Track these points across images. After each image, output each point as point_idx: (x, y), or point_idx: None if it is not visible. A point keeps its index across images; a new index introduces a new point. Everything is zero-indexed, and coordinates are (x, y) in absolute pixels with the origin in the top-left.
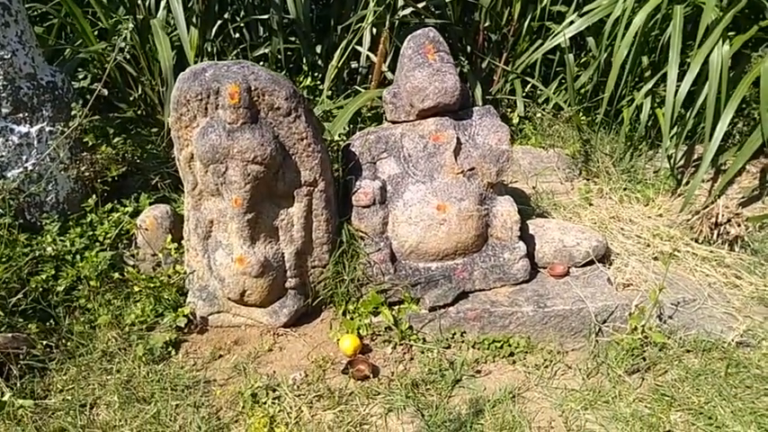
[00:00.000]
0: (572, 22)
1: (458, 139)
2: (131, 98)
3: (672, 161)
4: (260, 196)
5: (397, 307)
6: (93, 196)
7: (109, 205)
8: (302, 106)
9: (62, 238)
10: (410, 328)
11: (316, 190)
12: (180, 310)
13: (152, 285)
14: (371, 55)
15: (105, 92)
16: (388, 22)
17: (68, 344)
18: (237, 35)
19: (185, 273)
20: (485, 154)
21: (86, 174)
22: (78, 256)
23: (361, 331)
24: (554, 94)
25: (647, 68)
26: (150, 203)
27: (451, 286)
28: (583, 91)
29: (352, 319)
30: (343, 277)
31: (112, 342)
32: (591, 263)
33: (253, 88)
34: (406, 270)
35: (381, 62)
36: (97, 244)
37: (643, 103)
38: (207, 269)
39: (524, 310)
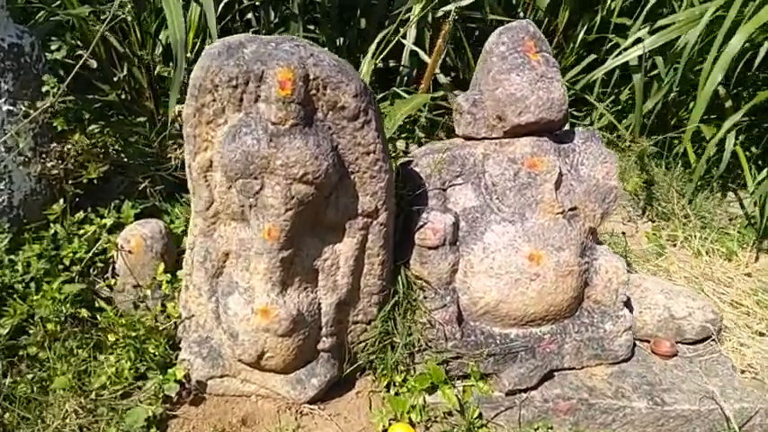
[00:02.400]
0: (639, 39)
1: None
2: (115, 78)
3: (758, 210)
4: (301, 227)
5: (461, 384)
6: (61, 201)
7: (80, 214)
8: (373, 108)
9: (12, 257)
10: (480, 416)
11: (375, 222)
12: (170, 371)
13: (133, 335)
14: (420, 51)
15: (94, 63)
16: (451, 14)
17: (5, 417)
18: (245, 17)
19: (179, 317)
20: (590, 190)
21: (54, 171)
22: (33, 285)
23: (412, 416)
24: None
25: (726, 98)
26: (136, 215)
27: (538, 364)
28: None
29: (397, 395)
30: (394, 339)
31: (72, 418)
32: (702, 339)
33: (311, 77)
34: (475, 335)
35: (437, 60)
36: (61, 269)
37: (726, 138)
38: (212, 317)
39: (635, 406)
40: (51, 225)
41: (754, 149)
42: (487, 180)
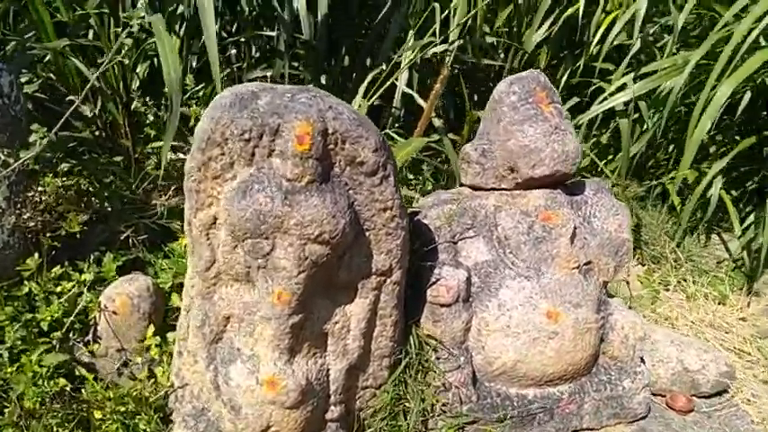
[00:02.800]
0: (624, 85)
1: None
2: (89, 114)
3: (745, 253)
4: (312, 290)
5: None
6: (36, 255)
7: (57, 269)
8: (391, 162)
9: None
10: None
11: (388, 281)
12: None
13: (122, 410)
14: (414, 95)
15: (88, 111)
16: (450, 58)
17: None
18: (227, 53)
19: (171, 386)
20: (603, 243)
21: (30, 223)
22: (7, 355)
23: None
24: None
25: (709, 143)
26: (118, 268)
27: (558, 426)
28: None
29: None
30: (406, 405)
31: None
32: (716, 393)
33: (330, 131)
34: (491, 397)
35: (433, 104)
36: (38, 334)
37: (713, 182)
38: (210, 387)
39: None
40: (26, 282)
41: (734, 192)
42: (500, 233)
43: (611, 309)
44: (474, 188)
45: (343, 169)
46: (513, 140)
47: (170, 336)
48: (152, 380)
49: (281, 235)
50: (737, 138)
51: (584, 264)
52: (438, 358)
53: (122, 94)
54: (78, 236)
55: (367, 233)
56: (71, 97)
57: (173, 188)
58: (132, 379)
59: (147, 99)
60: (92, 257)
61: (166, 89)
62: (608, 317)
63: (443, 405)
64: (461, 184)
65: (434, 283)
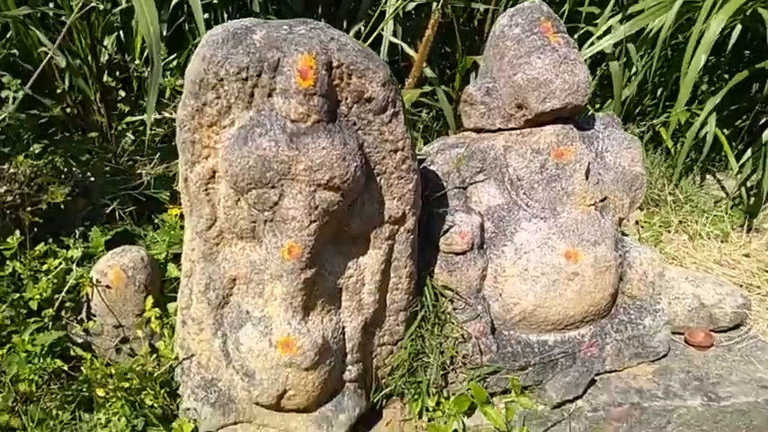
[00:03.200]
0: (610, 28)
1: None
2: (58, 91)
3: (743, 190)
4: (323, 242)
5: (500, 402)
6: (17, 232)
7: (42, 246)
8: (399, 98)
9: None
10: None
11: (402, 230)
12: (175, 425)
13: (126, 386)
14: (404, 45)
15: (62, 61)
16: (440, 2)
17: None
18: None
19: (175, 359)
20: (617, 179)
21: (8, 198)
22: None
23: None
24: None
25: (700, 82)
26: (106, 243)
27: (582, 370)
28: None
29: (431, 420)
30: (424, 359)
31: None
32: (734, 326)
33: (335, 64)
34: (512, 346)
35: (424, 53)
36: (27, 314)
37: (707, 121)
38: (219, 355)
39: (690, 405)
40: (8, 262)
41: (725, 130)
42: (512, 174)
43: (627, 246)
44: (479, 131)
45: (350, 107)
46: (520, 74)
47: (170, 307)
48: (154, 355)
49: (289, 182)
50: (725, 76)
51: (600, 200)
52: (455, 309)
53: (92, 67)
54: (62, 209)
55: (378, 178)
56: (43, 49)
57: (157, 156)
58: (132, 356)
59: (117, 73)
60: (77, 233)
61: (147, 43)
62: (625, 254)
63: (463, 357)
64: (463, 130)
65: (447, 230)
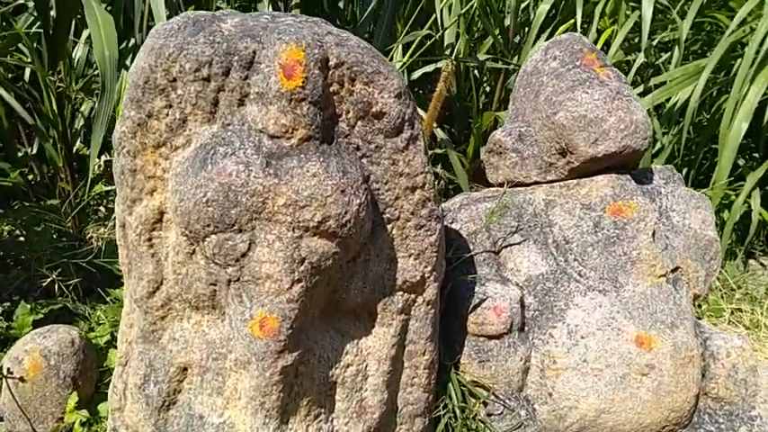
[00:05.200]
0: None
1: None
2: (20, 154)
3: None
4: (310, 315)
5: None
6: None
7: None
8: (418, 119)
9: None
10: None
11: (419, 301)
12: None
13: None
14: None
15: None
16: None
17: None
18: None
19: None
20: (689, 244)
21: None
22: None
23: None
24: None
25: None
26: (37, 324)
27: None
28: None
29: None
30: None
31: None
32: None
33: (333, 62)
34: None
35: (435, 110)
36: None
37: (751, 197)
38: None
39: None
40: None
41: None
42: (557, 235)
43: (706, 332)
44: (511, 185)
45: (353, 125)
46: (562, 113)
47: (102, 408)
48: None
49: (264, 224)
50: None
51: (672, 270)
52: (489, 415)
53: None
54: None
55: (389, 226)
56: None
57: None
58: None
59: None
60: (0, 309)
61: (98, 65)
62: (705, 343)
63: None
64: (489, 185)
65: (477, 305)
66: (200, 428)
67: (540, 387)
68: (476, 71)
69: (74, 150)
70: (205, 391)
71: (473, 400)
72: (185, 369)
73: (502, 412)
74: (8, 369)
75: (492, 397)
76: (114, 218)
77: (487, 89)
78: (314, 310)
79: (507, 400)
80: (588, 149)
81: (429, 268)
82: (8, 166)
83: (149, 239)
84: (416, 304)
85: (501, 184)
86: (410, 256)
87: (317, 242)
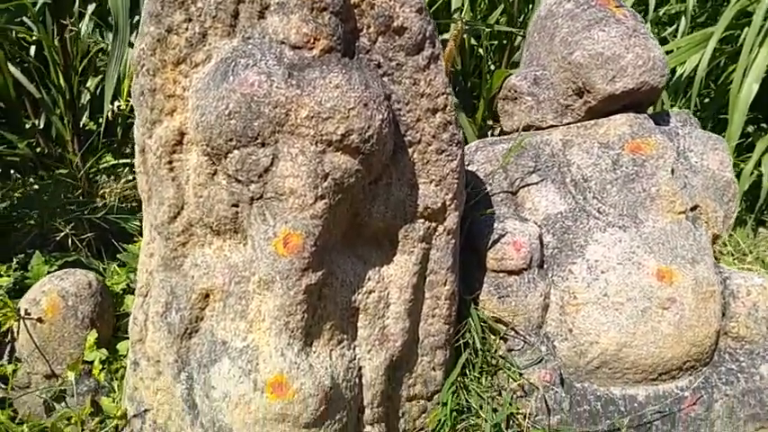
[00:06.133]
0: None
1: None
2: (27, 125)
3: None
4: (333, 237)
5: None
6: None
7: None
8: (438, 38)
9: None
10: None
11: (440, 229)
12: None
13: None
14: None
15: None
16: (462, 15)
17: None
18: None
19: (123, 417)
20: (707, 184)
21: None
22: None
23: None
24: None
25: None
26: (49, 274)
27: None
28: None
29: None
30: (471, 422)
31: None
32: None
33: None
34: (588, 402)
35: (448, 62)
36: None
37: (761, 165)
38: (183, 408)
39: None
40: None
41: None
42: (575, 174)
43: (725, 271)
44: (526, 130)
45: (374, 40)
46: (578, 52)
47: (122, 347)
48: (97, 418)
49: (286, 137)
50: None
51: (691, 208)
52: (510, 350)
53: (66, 100)
54: None
55: (410, 150)
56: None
57: (122, 181)
58: (68, 418)
59: (98, 117)
60: (14, 261)
61: (111, 8)
62: (725, 282)
63: (525, 418)
64: (503, 133)
65: (497, 241)
66: (224, 354)
67: (560, 324)
68: (480, 49)
69: (81, 125)
70: (228, 316)
71: (493, 337)
72: (207, 296)
73: (522, 347)
74: (25, 310)
75: (511, 333)
76: (125, 175)
77: (492, 67)
78: (337, 231)
79: (527, 336)
80: (606, 87)
81: (450, 195)
82: (16, 138)
83: (170, 162)
84: (437, 233)
85: (516, 132)
86: (431, 182)
87: (341, 158)
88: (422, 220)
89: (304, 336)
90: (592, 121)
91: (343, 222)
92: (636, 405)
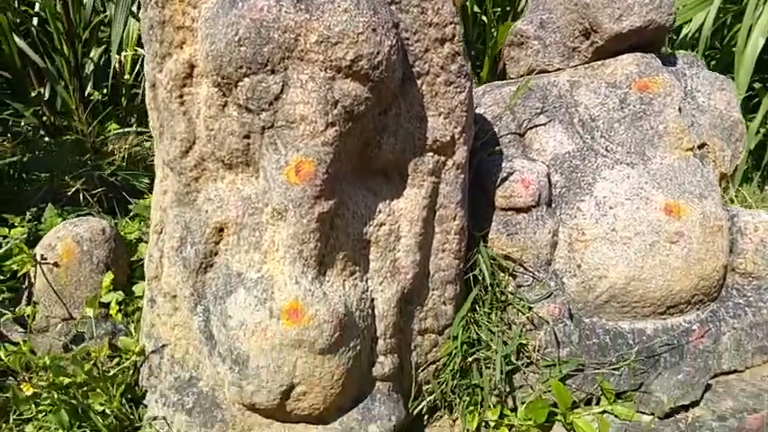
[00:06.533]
0: None
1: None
2: (32, 94)
3: None
4: (344, 167)
5: (587, 414)
6: None
7: None
8: None
9: None
10: None
11: (449, 163)
12: None
13: (65, 382)
14: None
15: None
16: None
17: None
18: None
19: (141, 353)
20: (714, 123)
21: None
22: None
23: None
24: None
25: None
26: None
27: (697, 366)
28: None
29: None
30: (482, 354)
31: None
32: None
33: None
34: (597, 336)
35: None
36: None
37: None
38: (201, 339)
39: None
40: None
41: None
42: (583, 114)
43: (732, 210)
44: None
45: None
46: None
47: (137, 288)
48: (115, 359)
49: (296, 63)
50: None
51: (699, 146)
52: (519, 286)
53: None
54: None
55: (419, 81)
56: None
57: (129, 140)
58: (87, 353)
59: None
60: (28, 214)
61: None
62: (732, 219)
63: (535, 350)
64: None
65: (505, 179)
66: (239, 285)
67: (569, 261)
68: (483, 16)
69: (86, 94)
70: (242, 248)
71: (502, 274)
72: (221, 230)
73: (531, 284)
74: (41, 255)
75: (519, 269)
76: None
77: (494, 33)
78: (348, 162)
79: (536, 272)
80: (613, 26)
81: (459, 129)
82: (22, 107)
83: (180, 96)
84: (446, 167)
85: (520, 76)
86: (440, 114)
87: (350, 84)
88: (431, 154)
89: (318, 264)
90: (599, 62)
91: (354, 153)
92: (644, 338)
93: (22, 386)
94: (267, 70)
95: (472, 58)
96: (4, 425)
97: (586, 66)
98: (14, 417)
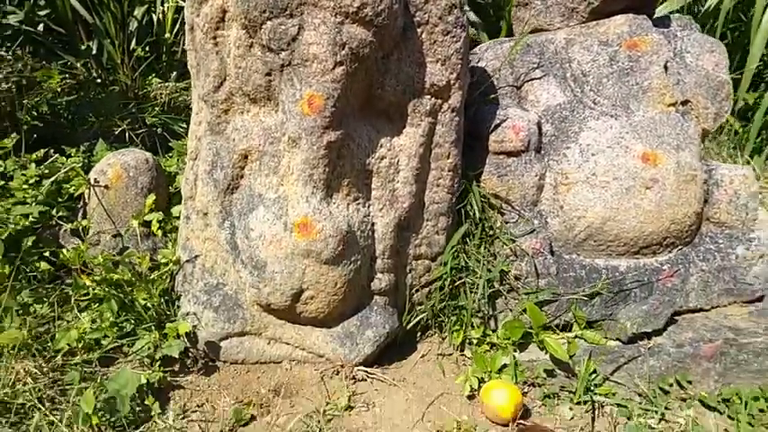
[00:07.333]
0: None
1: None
2: (84, 47)
3: None
4: (351, 104)
5: (560, 336)
6: (14, 135)
7: (40, 152)
8: None
9: None
10: (594, 372)
11: (445, 107)
12: (170, 326)
13: (114, 278)
14: None
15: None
16: None
17: None
18: None
19: (177, 262)
20: (700, 82)
21: (3, 85)
22: None
23: (502, 378)
24: None
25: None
26: None
27: (662, 299)
28: None
29: (474, 353)
30: (468, 280)
31: (27, 381)
32: None
33: None
34: (574, 270)
35: None
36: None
37: None
38: (227, 250)
39: None
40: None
41: None
42: (575, 70)
43: (712, 164)
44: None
45: None
46: None
47: (175, 210)
48: (156, 272)
49: (310, 9)
50: None
51: (682, 102)
52: (506, 222)
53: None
54: (65, 126)
55: (419, 30)
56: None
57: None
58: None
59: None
60: (82, 147)
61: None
62: (710, 172)
63: (515, 279)
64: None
65: (498, 126)
66: (260, 203)
67: (553, 202)
68: None
69: (130, 50)
70: (263, 172)
71: (491, 211)
72: (246, 156)
73: (516, 220)
74: (95, 179)
75: (507, 207)
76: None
77: None
78: (354, 101)
79: (522, 210)
80: None
81: (454, 75)
82: (73, 59)
83: (214, 38)
84: (443, 110)
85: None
86: (437, 61)
87: (356, 29)
88: (428, 96)
89: (326, 187)
90: (594, 22)
91: (360, 93)
92: (617, 274)
93: (83, 277)
94: (286, 14)
95: (495, 21)
96: (66, 314)
97: (582, 25)
98: (74, 304)
